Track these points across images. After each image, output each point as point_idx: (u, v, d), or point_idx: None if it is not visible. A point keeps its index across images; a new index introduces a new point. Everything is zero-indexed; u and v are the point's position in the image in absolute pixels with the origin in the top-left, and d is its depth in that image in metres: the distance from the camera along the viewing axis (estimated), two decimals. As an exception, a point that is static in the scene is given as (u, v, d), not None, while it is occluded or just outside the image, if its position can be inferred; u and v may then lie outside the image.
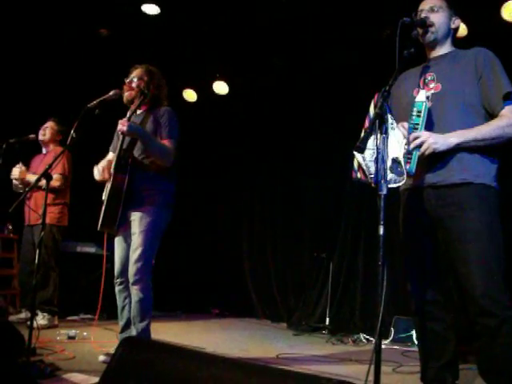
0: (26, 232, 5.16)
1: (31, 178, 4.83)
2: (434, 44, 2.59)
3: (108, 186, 3.44)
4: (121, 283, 3.46)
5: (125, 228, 3.44)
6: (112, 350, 3.20)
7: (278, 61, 6.24)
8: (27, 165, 5.16)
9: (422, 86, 2.53)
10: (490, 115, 2.44)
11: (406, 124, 2.40)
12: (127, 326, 3.48)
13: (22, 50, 5.97)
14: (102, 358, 3.39)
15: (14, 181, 4.90)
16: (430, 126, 2.41)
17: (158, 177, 3.46)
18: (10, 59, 5.97)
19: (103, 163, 3.56)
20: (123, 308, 3.49)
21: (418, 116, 2.35)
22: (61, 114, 5.28)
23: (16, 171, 4.90)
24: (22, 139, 4.96)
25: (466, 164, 2.39)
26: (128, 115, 3.50)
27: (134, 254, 3.34)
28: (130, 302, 3.45)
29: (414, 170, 2.32)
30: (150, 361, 1.73)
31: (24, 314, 4.91)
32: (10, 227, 5.66)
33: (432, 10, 2.56)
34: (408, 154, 2.32)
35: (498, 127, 2.36)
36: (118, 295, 3.50)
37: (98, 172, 3.50)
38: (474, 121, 2.41)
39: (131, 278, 3.33)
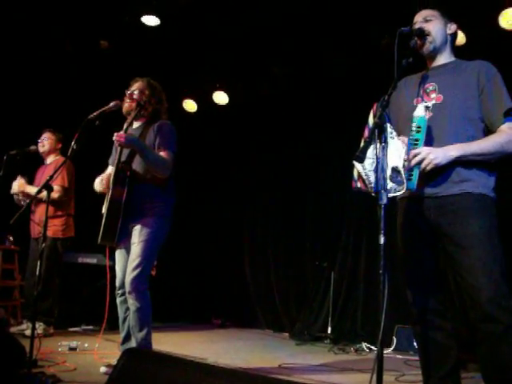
0: (31, 245, 5.17)
1: (31, 189, 4.85)
2: (434, 54, 2.60)
3: (107, 198, 3.45)
4: (122, 294, 3.46)
5: (126, 240, 3.44)
6: (113, 362, 3.20)
7: (278, 70, 6.27)
8: (31, 177, 5.18)
9: (422, 96, 2.54)
10: (489, 130, 2.46)
11: (405, 139, 2.40)
12: (128, 337, 3.47)
13: (23, 62, 6.00)
14: (103, 369, 3.38)
15: (14, 195, 4.93)
16: (430, 138, 2.41)
17: (157, 189, 3.47)
18: (10, 70, 6.00)
19: (103, 176, 3.57)
20: (124, 319, 3.49)
21: (418, 132, 2.35)
22: (61, 126, 5.31)
23: (15, 185, 4.93)
24: (23, 151, 4.98)
25: (464, 176, 2.40)
26: (124, 127, 3.50)
27: (132, 264, 3.34)
28: None
29: (415, 187, 2.32)
30: (151, 372, 1.73)
31: (25, 325, 4.90)
32: (11, 239, 5.67)
33: (426, 20, 2.57)
34: (409, 170, 2.32)
35: (497, 143, 2.37)
36: (120, 306, 3.50)
37: (98, 184, 3.52)
38: (473, 134, 2.43)
39: (127, 288, 3.32)
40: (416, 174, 2.32)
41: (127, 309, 3.44)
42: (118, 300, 3.50)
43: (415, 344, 4.74)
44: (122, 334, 3.50)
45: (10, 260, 5.69)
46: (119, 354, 3.07)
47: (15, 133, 5.75)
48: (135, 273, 3.31)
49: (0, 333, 3.19)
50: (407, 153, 2.33)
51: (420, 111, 2.37)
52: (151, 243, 3.39)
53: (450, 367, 2.47)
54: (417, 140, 2.35)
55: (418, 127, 2.35)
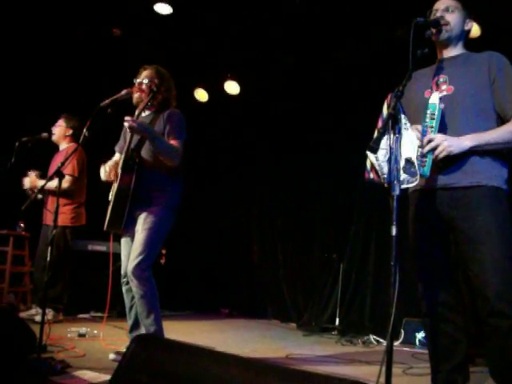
0: (42, 231, 5.20)
1: (42, 183, 4.86)
2: (448, 43, 2.58)
3: (115, 186, 3.44)
4: (127, 282, 3.46)
5: (132, 228, 3.44)
6: (122, 349, 3.23)
7: (290, 61, 6.24)
8: (46, 165, 5.18)
9: (434, 88, 2.52)
10: (502, 119, 2.44)
11: (419, 127, 2.40)
12: (136, 325, 3.48)
13: (36, 50, 6.01)
14: (112, 356, 3.40)
15: (24, 188, 4.94)
16: (443, 128, 2.40)
17: (166, 177, 3.46)
18: (23, 58, 6.02)
19: (110, 164, 3.55)
20: (131, 307, 3.49)
21: (432, 118, 2.35)
22: (73, 113, 5.32)
23: (27, 181, 4.94)
24: (34, 138, 5.00)
25: (478, 167, 2.39)
26: (136, 113, 3.49)
27: (134, 252, 3.34)
28: None
29: (428, 173, 2.32)
30: (161, 358, 1.74)
31: (34, 311, 4.95)
32: (22, 225, 5.70)
33: (447, 9, 2.56)
34: (422, 156, 2.31)
35: (510, 132, 2.37)
36: (126, 294, 3.51)
37: (104, 172, 3.50)
38: (485, 124, 2.42)
39: (129, 275, 3.31)
40: (430, 160, 2.32)
41: (133, 297, 3.45)
42: (124, 288, 3.50)
43: (422, 337, 4.80)
44: (130, 322, 3.51)
45: (20, 246, 5.73)
46: (128, 342, 3.11)
47: (28, 120, 5.76)
48: (137, 261, 3.30)
49: (11, 318, 3.21)
50: (422, 139, 2.32)
51: (435, 98, 2.36)
52: (155, 232, 3.38)
53: (459, 361, 2.48)
54: (431, 127, 2.35)
55: (433, 114, 2.35)
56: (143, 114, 3.61)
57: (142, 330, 3.39)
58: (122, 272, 3.50)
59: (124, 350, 3.28)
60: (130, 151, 3.43)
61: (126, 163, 3.40)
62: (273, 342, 4.90)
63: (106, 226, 3.41)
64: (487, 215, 2.34)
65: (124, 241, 3.55)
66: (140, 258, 3.31)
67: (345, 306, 5.81)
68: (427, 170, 2.31)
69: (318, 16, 5.35)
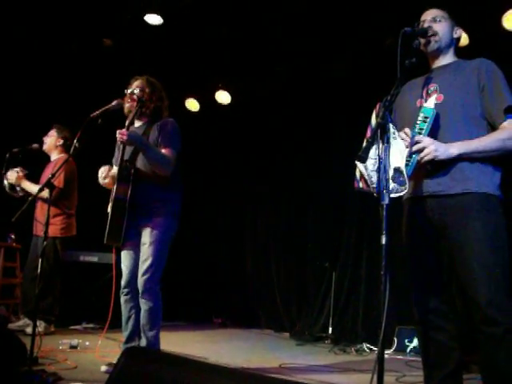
0: (33, 241, 5.18)
1: (29, 186, 4.83)
2: (438, 53, 2.60)
3: (112, 197, 3.44)
4: (127, 293, 3.46)
5: (134, 241, 3.44)
6: (115, 360, 3.22)
7: (281, 70, 6.26)
8: (38, 175, 5.16)
9: (424, 97, 2.54)
10: (492, 126, 2.45)
11: (407, 130, 2.40)
12: (132, 337, 3.46)
13: (27, 60, 6.01)
14: (104, 368, 3.38)
15: (5, 183, 4.88)
16: (433, 134, 2.41)
17: (163, 187, 3.45)
18: (13, 68, 6.00)
19: (106, 169, 3.52)
20: (128, 318, 3.48)
21: (424, 122, 2.37)
22: (64, 123, 5.31)
23: (13, 175, 4.88)
24: (25, 148, 4.99)
25: (467, 174, 2.39)
26: (126, 124, 3.48)
27: (144, 265, 3.35)
28: (136, 313, 3.45)
29: (410, 174, 2.32)
30: (152, 371, 1.72)
31: (22, 322, 4.90)
32: (13, 236, 5.67)
33: (434, 20, 2.58)
34: (408, 156, 2.32)
35: (499, 140, 2.37)
36: (124, 306, 3.49)
37: (101, 175, 3.48)
38: (475, 131, 2.42)
39: (141, 289, 3.33)
40: (414, 160, 2.33)
41: (131, 308, 3.44)
42: (123, 299, 3.49)
43: (416, 345, 4.80)
44: (126, 333, 3.49)
45: (11, 258, 5.70)
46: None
47: (19, 131, 5.75)
48: (148, 274, 3.32)
49: (1, 331, 3.19)
50: (411, 139, 2.33)
51: (431, 103, 2.38)
52: (162, 243, 3.40)
53: (452, 368, 2.47)
54: (421, 129, 2.36)
55: (425, 117, 2.36)
56: (136, 125, 3.61)
57: (143, 341, 3.38)
58: (123, 283, 3.49)
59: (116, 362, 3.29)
60: (124, 162, 3.43)
61: (120, 174, 3.40)
62: (266, 352, 4.89)
63: (105, 240, 3.39)
64: (477, 223, 2.33)
65: (125, 253, 3.52)
66: (151, 271, 3.33)
67: (337, 315, 5.80)
68: (410, 169, 2.31)
69: (309, 26, 5.38)
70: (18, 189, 4.92)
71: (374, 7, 4.93)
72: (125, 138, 3.22)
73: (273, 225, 6.96)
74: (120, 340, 3.58)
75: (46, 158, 5.33)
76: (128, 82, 3.66)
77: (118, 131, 3.25)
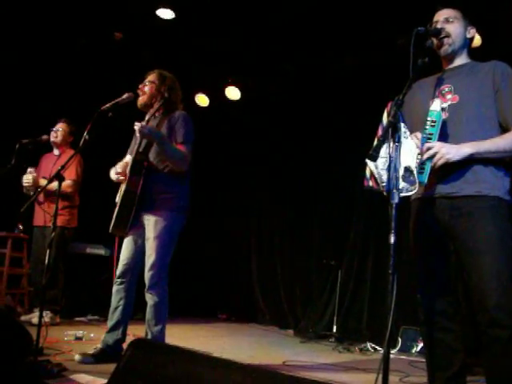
0: (36, 233, 5.20)
1: (44, 182, 4.86)
2: (452, 56, 2.59)
3: (122, 188, 3.45)
4: (121, 283, 3.47)
5: (136, 229, 3.44)
6: (91, 350, 3.30)
7: (290, 66, 6.25)
8: (36, 165, 5.19)
9: (438, 97, 2.52)
10: (504, 130, 2.44)
11: (418, 134, 2.40)
12: (116, 327, 3.46)
13: (37, 52, 6.02)
14: (77, 357, 3.32)
15: (25, 185, 4.92)
16: (445, 137, 2.40)
17: (172, 180, 3.46)
18: (24, 61, 6.02)
19: (120, 164, 3.56)
20: (116, 309, 3.48)
21: (433, 126, 2.35)
22: (74, 116, 5.34)
23: (30, 178, 4.90)
24: (34, 140, 5.01)
25: (480, 176, 2.38)
26: (147, 118, 3.50)
27: (149, 260, 3.35)
28: (124, 305, 3.46)
29: (425, 181, 2.32)
30: (158, 363, 1.73)
31: (35, 314, 4.93)
32: (21, 227, 5.70)
33: (447, 20, 2.56)
34: (421, 164, 2.31)
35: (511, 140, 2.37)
36: (115, 295, 3.49)
37: (114, 172, 3.51)
38: (489, 133, 2.41)
39: (147, 283, 3.34)
40: (428, 168, 2.32)
41: (121, 298, 3.46)
42: (115, 288, 3.50)
43: (420, 345, 4.79)
44: (111, 323, 3.48)
45: (18, 248, 5.72)
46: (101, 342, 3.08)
47: (28, 123, 5.77)
48: (155, 269, 3.33)
49: (7, 320, 3.20)
50: (421, 146, 2.32)
51: (436, 106, 2.36)
52: (167, 238, 3.40)
53: (456, 370, 2.46)
54: (431, 134, 2.35)
55: (433, 121, 2.35)
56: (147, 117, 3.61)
57: (148, 336, 3.39)
58: (118, 272, 3.50)
59: (92, 351, 3.29)
60: (138, 155, 3.44)
61: (134, 166, 3.41)
62: (270, 349, 4.89)
63: (111, 228, 3.42)
64: (488, 226, 2.33)
65: (127, 241, 3.53)
66: (157, 266, 3.34)
67: (342, 313, 5.80)
68: (425, 177, 2.31)
69: (320, 23, 5.37)
70: (34, 190, 4.93)
71: (384, 5, 4.91)
72: (145, 130, 3.24)
73: (279, 222, 6.97)
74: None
75: (43, 150, 5.36)
76: (139, 76, 3.69)
77: (136, 123, 3.26)
